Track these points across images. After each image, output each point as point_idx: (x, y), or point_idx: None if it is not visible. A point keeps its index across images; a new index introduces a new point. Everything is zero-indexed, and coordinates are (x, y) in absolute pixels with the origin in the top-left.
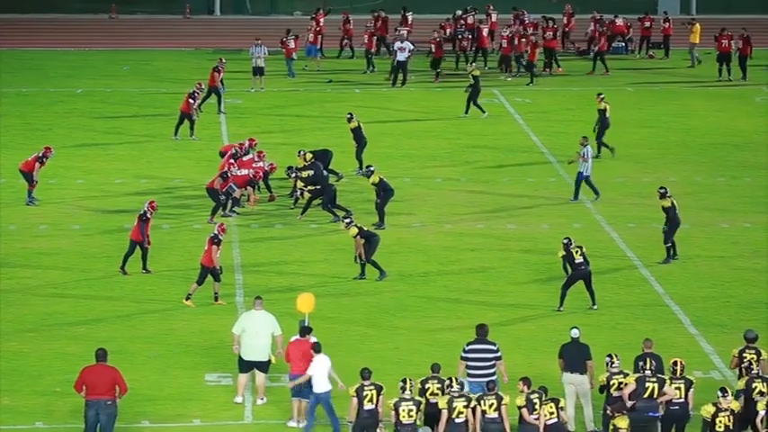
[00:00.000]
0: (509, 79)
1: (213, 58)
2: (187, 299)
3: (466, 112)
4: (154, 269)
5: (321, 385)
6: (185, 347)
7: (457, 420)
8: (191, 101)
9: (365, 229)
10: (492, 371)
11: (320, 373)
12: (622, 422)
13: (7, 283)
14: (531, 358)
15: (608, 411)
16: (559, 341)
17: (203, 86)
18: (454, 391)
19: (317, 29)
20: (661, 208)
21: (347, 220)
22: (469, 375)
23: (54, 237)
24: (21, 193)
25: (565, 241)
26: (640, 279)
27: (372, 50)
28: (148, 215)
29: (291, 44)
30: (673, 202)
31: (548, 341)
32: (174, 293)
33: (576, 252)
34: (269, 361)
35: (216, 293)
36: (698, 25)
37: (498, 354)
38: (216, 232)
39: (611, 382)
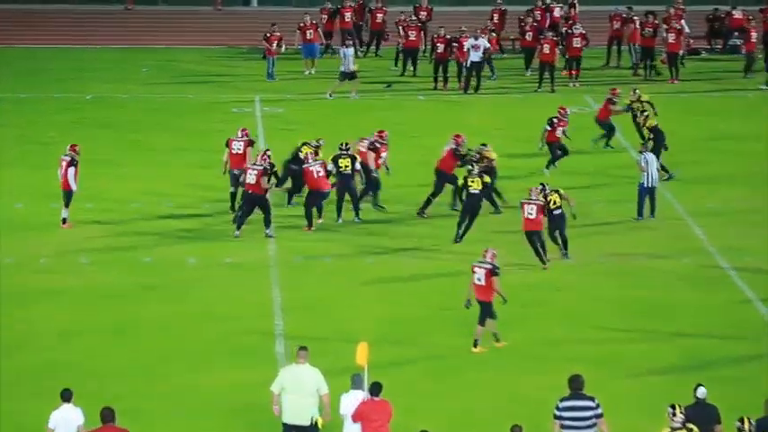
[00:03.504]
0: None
1: (250, 56)
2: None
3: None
4: (176, 310)
5: None
6: (213, 407)
7: None
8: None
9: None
10: (592, 431)
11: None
12: None
13: (3, 330)
14: (633, 420)
15: None
16: (666, 400)
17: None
18: None
19: (324, 22)
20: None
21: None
22: None
23: (57, 272)
24: (16, 219)
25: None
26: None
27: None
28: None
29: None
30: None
31: (650, 398)
32: (201, 341)
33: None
34: (315, 424)
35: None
36: None
37: (599, 410)
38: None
39: None
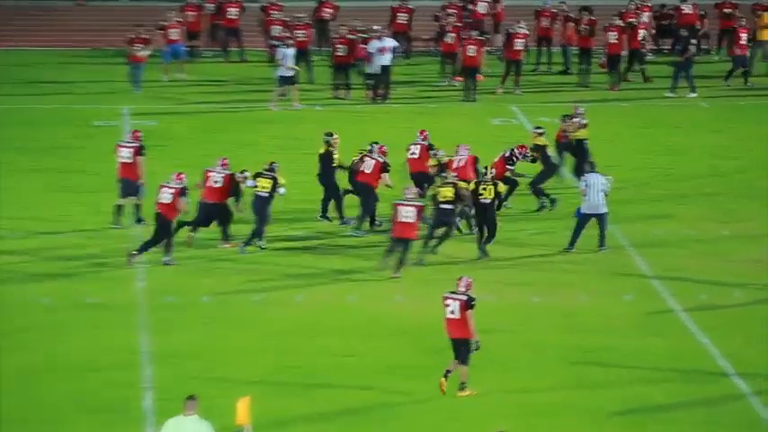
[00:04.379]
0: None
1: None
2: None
3: None
4: (23, 361)
5: None
6: None
7: None
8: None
9: None
10: None
11: None
12: None
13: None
14: None
15: None
16: None
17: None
18: None
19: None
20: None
21: None
22: None
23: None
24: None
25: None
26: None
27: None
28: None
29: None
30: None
31: None
32: (54, 398)
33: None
34: None
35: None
36: None
37: None
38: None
39: None
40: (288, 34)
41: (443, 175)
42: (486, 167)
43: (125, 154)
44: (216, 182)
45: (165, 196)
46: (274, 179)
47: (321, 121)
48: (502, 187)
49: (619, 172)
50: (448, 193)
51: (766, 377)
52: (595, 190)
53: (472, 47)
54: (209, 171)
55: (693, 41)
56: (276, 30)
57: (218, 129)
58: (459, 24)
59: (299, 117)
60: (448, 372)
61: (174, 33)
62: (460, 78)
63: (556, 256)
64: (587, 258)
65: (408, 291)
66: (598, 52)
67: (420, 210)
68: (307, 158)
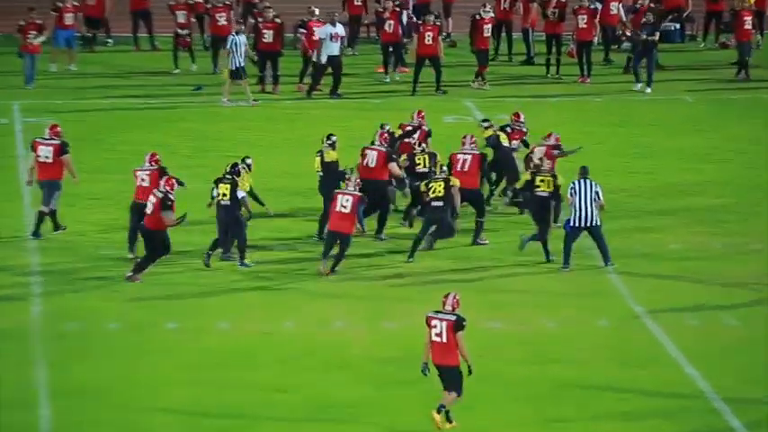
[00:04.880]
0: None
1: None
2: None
3: None
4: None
5: None
6: None
7: None
8: None
9: None
10: None
11: None
12: None
13: None
14: None
15: None
16: None
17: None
18: None
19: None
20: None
21: None
22: None
23: None
24: None
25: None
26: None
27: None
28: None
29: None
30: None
31: None
32: None
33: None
34: None
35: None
36: None
37: None
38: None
39: None
40: (242, 20)
41: (433, 170)
42: (541, 158)
43: (44, 153)
44: (143, 180)
45: (148, 207)
46: (233, 182)
47: (243, 119)
48: (561, 179)
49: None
50: (438, 188)
51: (761, 411)
52: (586, 199)
53: (429, 33)
54: (137, 170)
55: (674, 26)
56: (181, 15)
57: (123, 128)
58: (396, 9)
59: (216, 114)
60: (442, 407)
61: (70, 18)
62: (406, 69)
63: (521, 275)
64: (557, 278)
65: (351, 315)
66: (567, 40)
67: (357, 200)
68: (224, 162)
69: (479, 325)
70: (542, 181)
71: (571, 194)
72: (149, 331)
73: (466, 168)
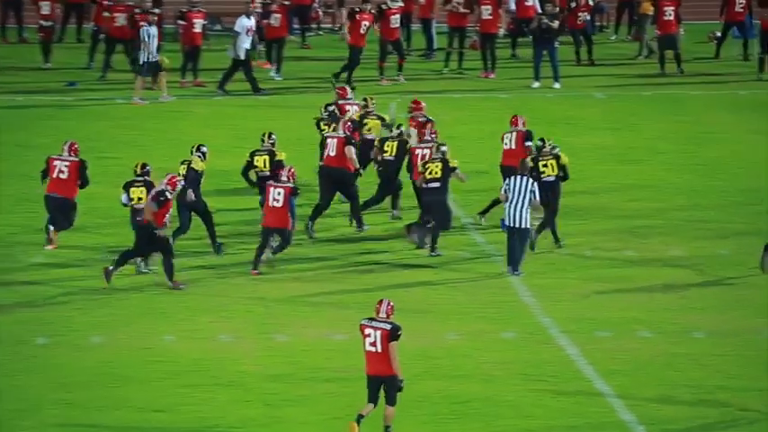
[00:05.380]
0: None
1: None
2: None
3: None
4: None
5: None
6: None
7: None
8: None
9: None
10: None
11: None
12: None
13: None
14: None
15: None
16: None
17: None
18: None
19: None
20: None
21: None
22: None
23: None
24: None
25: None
26: None
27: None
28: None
29: None
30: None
31: None
32: None
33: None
34: None
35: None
36: None
37: None
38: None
39: None
40: (158, 10)
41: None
42: (542, 138)
43: (63, 169)
44: (61, 172)
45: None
46: (148, 185)
47: (119, 118)
48: (565, 158)
49: (495, 180)
50: (435, 168)
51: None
52: (517, 198)
53: (366, 22)
54: (54, 159)
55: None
56: (45, 6)
57: None
58: (287, 3)
59: (92, 113)
60: (360, 417)
61: None
62: (267, 65)
63: (423, 285)
64: (458, 286)
65: (240, 329)
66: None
67: (289, 192)
68: (103, 164)
69: None
70: (545, 165)
71: (504, 191)
72: (14, 348)
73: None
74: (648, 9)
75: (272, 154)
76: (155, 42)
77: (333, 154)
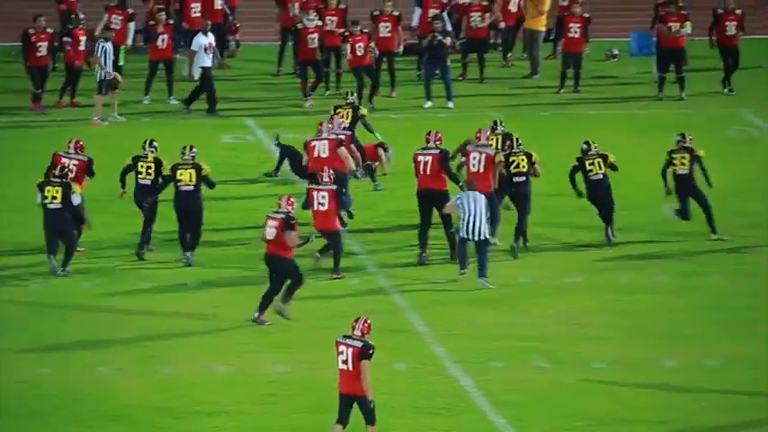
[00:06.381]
0: None
1: None
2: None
3: None
4: None
5: None
6: None
7: None
8: None
9: None
10: None
11: None
12: None
13: None
14: None
15: None
16: None
17: None
18: None
19: None
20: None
21: None
22: None
23: None
24: None
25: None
26: None
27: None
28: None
29: None
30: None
31: None
32: None
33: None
34: None
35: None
36: None
37: None
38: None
39: None
40: (115, 26)
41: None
42: (587, 141)
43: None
44: (70, 171)
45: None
46: (65, 185)
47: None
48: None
49: (407, 203)
50: (522, 162)
51: None
52: (473, 212)
53: (360, 44)
54: (62, 156)
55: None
56: None
57: None
58: (170, 23)
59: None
60: None
61: None
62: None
63: (315, 309)
64: (345, 312)
65: (119, 359)
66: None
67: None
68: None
69: (262, 369)
70: (592, 164)
71: (458, 207)
72: None
73: (428, 171)
74: (540, 25)
75: (196, 167)
76: (110, 59)
77: (324, 156)
